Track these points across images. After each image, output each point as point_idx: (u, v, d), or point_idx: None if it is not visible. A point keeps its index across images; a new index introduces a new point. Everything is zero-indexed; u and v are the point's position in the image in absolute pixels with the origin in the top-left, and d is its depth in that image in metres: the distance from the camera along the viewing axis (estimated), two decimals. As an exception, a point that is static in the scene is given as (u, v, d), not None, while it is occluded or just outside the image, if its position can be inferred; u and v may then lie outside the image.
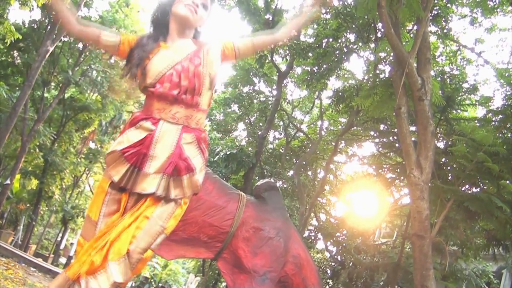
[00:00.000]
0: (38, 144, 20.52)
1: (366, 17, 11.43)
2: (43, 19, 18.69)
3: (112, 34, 2.44)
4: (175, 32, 2.48)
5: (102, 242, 2.15)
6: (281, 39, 2.68)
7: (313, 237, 17.12)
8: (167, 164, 2.26)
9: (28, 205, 24.92)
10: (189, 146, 2.36)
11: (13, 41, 13.46)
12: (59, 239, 30.82)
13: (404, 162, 7.51)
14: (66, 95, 21.86)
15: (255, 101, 19.30)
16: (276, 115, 17.79)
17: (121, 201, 2.29)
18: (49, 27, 17.53)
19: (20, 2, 12.95)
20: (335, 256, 15.37)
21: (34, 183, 24.91)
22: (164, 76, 2.31)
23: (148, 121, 2.31)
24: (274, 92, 18.51)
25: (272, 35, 2.69)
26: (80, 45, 21.17)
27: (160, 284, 39.51)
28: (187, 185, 2.34)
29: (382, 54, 11.23)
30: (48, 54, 16.14)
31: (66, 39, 19.63)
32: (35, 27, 18.93)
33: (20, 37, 13.86)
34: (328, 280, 15.52)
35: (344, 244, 14.56)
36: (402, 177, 11.72)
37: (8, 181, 17.39)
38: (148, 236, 2.21)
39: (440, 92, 8.20)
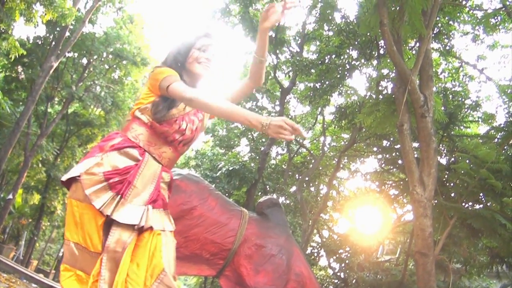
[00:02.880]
0: (41, 159, 20.55)
1: (368, 34, 11.50)
2: (48, 35, 18.87)
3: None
4: (187, 83, 2.45)
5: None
6: (251, 83, 2.61)
7: (315, 254, 16.99)
8: (149, 199, 2.21)
9: (30, 220, 24.92)
10: (164, 186, 2.35)
11: (17, 56, 13.57)
12: (60, 254, 30.70)
13: (407, 179, 7.50)
14: (70, 110, 21.94)
15: (257, 117, 19.28)
16: (279, 131, 17.75)
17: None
18: (53, 43, 17.70)
19: (25, 18, 13.08)
20: (338, 273, 15.24)
21: (36, 198, 24.92)
22: (174, 119, 2.31)
23: (136, 149, 2.25)
24: (277, 108, 18.53)
25: (241, 83, 2.65)
26: (84, 61, 21.34)
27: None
28: (167, 219, 2.29)
29: (385, 71, 11.26)
30: (52, 69, 16.26)
31: (70, 55, 19.79)
32: (40, 43, 19.10)
33: (25, 52, 13.98)
34: (330, 298, 15.40)
35: (347, 261, 14.45)
36: (405, 194, 11.69)
37: (10, 196, 17.41)
38: (171, 252, 2.20)
39: (442, 108, 8.22)
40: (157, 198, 2.25)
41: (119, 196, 2.13)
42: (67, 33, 17.13)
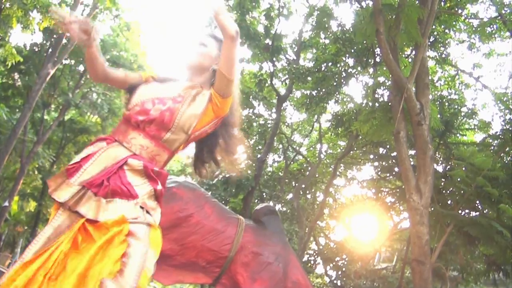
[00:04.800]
0: (37, 166, 20.48)
1: (364, 42, 11.54)
2: (44, 42, 18.86)
3: (136, 74, 2.43)
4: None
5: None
6: (226, 35, 2.35)
7: (312, 262, 16.96)
8: (94, 179, 1.97)
9: (26, 227, 24.79)
10: (134, 174, 2.06)
11: (14, 63, 13.57)
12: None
13: (403, 186, 7.51)
14: (66, 117, 21.88)
15: (254, 124, 19.31)
16: (275, 138, 17.79)
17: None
18: (50, 50, 17.68)
19: (22, 25, 13.08)
20: (335, 281, 15.21)
21: (32, 205, 24.80)
22: (139, 103, 2.20)
23: (105, 141, 2.13)
24: (274, 116, 18.53)
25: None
26: (81, 68, 21.33)
27: (157, 309, 38.98)
28: (125, 209, 1.94)
29: (381, 79, 11.29)
30: (49, 76, 16.23)
31: (67, 62, 19.77)
32: (36, 50, 19.07)
33: (21, 59, 13.97)
34: (327, 305, 15.37)
35: (343, 269, 14.44)
36: (401, 201, 11.70)
37: (6, 203, 17.31)
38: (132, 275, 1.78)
39: (438, 116, 8.24)
40: (115, 186, 1.98)
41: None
42: (64, 40, 17.12)
